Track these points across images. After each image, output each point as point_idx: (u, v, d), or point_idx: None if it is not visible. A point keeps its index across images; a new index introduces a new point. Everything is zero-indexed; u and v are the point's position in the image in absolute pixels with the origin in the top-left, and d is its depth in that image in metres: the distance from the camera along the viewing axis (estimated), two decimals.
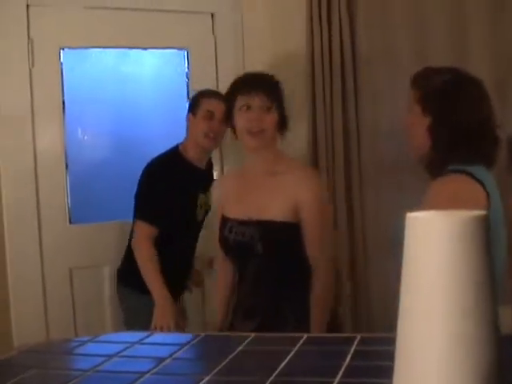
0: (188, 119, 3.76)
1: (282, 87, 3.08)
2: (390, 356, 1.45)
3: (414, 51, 4.21)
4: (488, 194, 2.34)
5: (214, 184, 3.75)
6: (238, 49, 4.27)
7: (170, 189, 3.62)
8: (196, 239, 3.88)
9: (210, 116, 3.67)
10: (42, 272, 3.94)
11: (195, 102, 3.76)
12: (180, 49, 4.29)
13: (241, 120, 2.96)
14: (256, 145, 2.97)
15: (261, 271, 2.97)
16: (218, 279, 3.30)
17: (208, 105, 3.70)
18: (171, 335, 2.03)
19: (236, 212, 3.04)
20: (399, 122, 2.67)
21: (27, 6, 3.88)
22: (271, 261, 2.94)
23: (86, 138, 4.20)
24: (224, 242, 3.07)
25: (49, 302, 3.97)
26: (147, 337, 1.80)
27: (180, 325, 3.55)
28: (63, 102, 4.01)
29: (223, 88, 4.20)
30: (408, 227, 0.96)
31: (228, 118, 3.11)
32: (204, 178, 3.86)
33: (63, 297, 4.00)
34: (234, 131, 3.04)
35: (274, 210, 2.92)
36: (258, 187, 3.01)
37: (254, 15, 4.24)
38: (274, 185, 2.96)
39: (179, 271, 3.79)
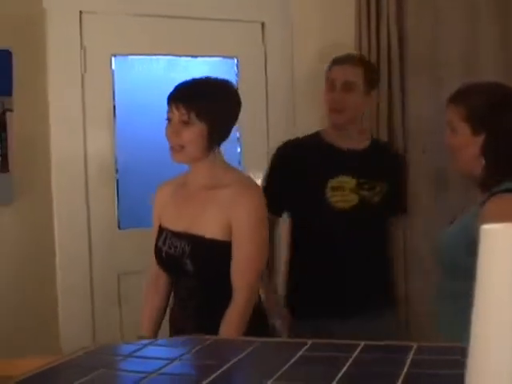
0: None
1: (217, 93, 2.82)
2: (448, 365, 1.48)
3: (464, 56, 4.21)
4: None
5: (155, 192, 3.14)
6: (287, 58, 4.29)
7: (286, 171, 3.44)
8: (360, 232, 3.42)
9: (331, 86, 3.38)
10: (91, 277, 3.99)
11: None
12: (229, 57, 4.32)
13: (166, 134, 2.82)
14: (178, 161, 2.83)
15: (191, 293, 2.82)
16: (148, 289, 3.08)
17: (330, 74, 3.42)
18: (232, 340, 2.05)
19: (171, 223, 2.90)
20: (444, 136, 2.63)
21: (80, 12, 3.95)
22: (202, 282, 2.78)
23: (135, 143, 4.23)
24: (158, 253, 2.93)
25: (96, 307, 4.01)
26: (207, 341, 1.82)
27: None
28: (114, 108, 4.07)
29: (273, 98, 4.28)
30: (483, 239, 0.97)
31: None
32: (352, 159, 3.43)
33: (110, 302, 4.04)
34: None
35: (205, 225, 2.74)
36: (194, 199, 2.84)
37: (303, 25, 4.26)
38: (209, 199, 2.78)
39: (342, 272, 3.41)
